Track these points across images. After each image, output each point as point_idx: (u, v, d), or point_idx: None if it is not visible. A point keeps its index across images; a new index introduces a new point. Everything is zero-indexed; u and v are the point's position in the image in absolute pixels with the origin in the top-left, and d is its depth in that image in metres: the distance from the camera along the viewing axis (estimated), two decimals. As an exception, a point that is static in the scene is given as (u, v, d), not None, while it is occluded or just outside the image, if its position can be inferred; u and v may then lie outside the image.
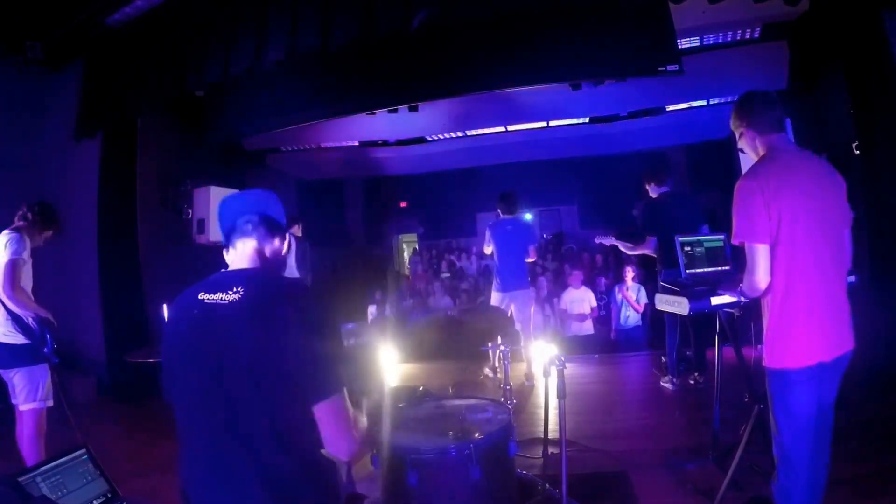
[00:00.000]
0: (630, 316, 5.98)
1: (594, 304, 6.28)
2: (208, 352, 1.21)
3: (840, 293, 1.74)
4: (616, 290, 6.09)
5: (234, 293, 1.23)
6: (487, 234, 4.64)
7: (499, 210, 4.71)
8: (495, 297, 4.57)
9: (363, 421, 1.34)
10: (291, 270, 5.12)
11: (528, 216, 11.04)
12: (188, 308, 1.27)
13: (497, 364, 4.69)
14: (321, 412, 1.21)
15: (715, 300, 2.09)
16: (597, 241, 4.50)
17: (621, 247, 4.29)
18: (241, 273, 1.33)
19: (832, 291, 1.71)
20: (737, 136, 1.91)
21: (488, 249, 4.68)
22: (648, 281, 6.10)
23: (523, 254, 4.56)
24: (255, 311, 1.21)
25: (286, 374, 1.17)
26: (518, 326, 4.47)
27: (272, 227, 1.39)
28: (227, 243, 1.39)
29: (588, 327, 6.25)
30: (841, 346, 1.71)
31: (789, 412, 1.70)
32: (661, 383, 4.18)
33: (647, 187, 4.22)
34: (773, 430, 1.77)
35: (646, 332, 6.06)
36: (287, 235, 1.45)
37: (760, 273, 1.69)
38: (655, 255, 4.02)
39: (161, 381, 1.34)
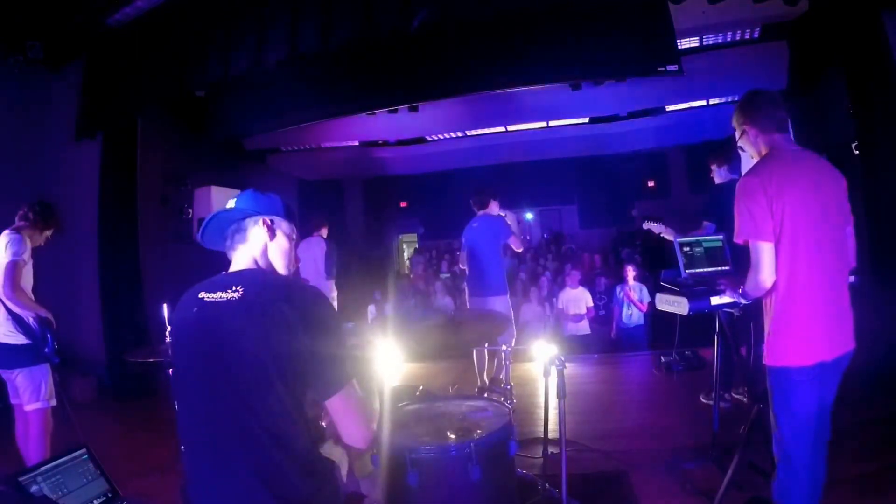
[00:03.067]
0: (633, 315, 5.98)
1: (591, 304, 6.28)
2: (208, 350, 1.21)
3: (842, 293, 1.74)
4: (618, 289, 6.09)
5: (234, 292, 1.23)
6: (462, 241, 4.18)
7: (473, 205, 4.23)
8: (469, 304, 4.09)
9: (376, 408, 1.34)
10: (319, 272, 5.14)
11: (528, 216, 11.07)
12: (188, 307, 1.27)
13: (486, 367, 4.17)
14: (334, 405, 1.22)
15: (715, 300, 2.09)
16: (644, 226, 3.88)
17: (670, 235, 3.68)
18: (241, 273, 1.34)
19: (834, 290, 1.71)
20: (737, 133, 1.90)
21: (464, 262, 4.18)
22: (649, 280, 6.10)
23: (495, 255, 3.96)
24: (255, 309, 1.21)
25: (286, 372, 1.18)
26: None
27: (258, 223, 1.38)
28: (229, 253, 1.40)
29: (584, 327, 6.25)
30: (842, 346, 1.71)
31: (790, 410, 1.70)
32: (702, 399, 3.65)
33: (713, 169, 3.71)
34: (773, 429, 1.77)
35: (647, 331, 6.06)
36: (284, 225, 1.42)
37: (766, 271, 1.67)
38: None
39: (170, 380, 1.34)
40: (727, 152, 3.63)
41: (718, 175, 3.71)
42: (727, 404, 3.45)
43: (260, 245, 1.38)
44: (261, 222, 1.38)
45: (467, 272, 4.14)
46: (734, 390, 3.57)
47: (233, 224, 1.38)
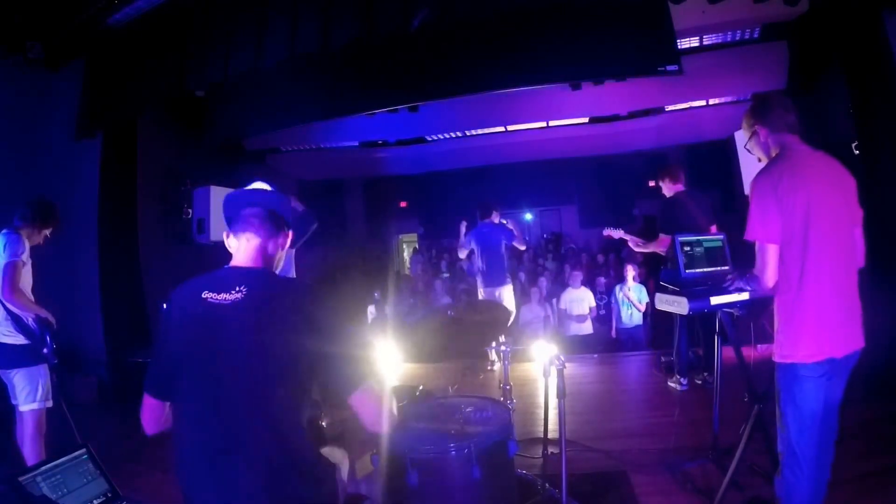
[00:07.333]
0: (633, 315, 5.98)
1: (593, 303, 6.28)
2: (210, 351, 1.22)
3: (851, 290, 1.75)
4: (617, 289, 6.09)
5: (238, 292, 1.25)
6: (466, 238, 5.19)
7: (478, 215, 5.23)
8: (482, 293, 5.09)
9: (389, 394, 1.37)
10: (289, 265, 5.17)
11: (527, 216, 11.08)
12: (192, 306, 1.28)
13: (496, 357, 4.90)
14: (357, 400, 1.25)
15: (714, 300, 2.08)
16: (605, 233, 4.47)
17: (630, 242, 4.20)
18: (244, 272, 1.34)
19: (843, 288, 1.72)
20: (747, 135, 1.92)
21: (463, 253, 5.28)
22: (650, 280, 6.10)
23: (501, 253, 5.04)
24: (258, 311, 1.23)
25: (289, 373, 1.19)
26: None
27: (278, 224, 1.42)
28: (231, 231, 1.41)
29: (587, 327, 6.25)
30: (851, 344, 1.72)
31: (797, 407, 1.70)
32: (669, 384, 4.08)
33: (662, 185, 4.13)
34: (779, 426, 1.78)
35: (647, 331, 6.05)
36: (290, 233, 1.49)
37: (769, 272, 1.71)
38: (666, 255, 3.95)
39: (149, 373, 1.35)
40: (669, 168, 4.16)
41: (667, 189, 4.10)
42: (684, 387, 3.99)
43: (273, 245, 1.42)
44: (284, 234, 1.45)
45: (481, 266, 5.08)
46: (697, 375, 4.07)
47: (254, 208, 1.40)
